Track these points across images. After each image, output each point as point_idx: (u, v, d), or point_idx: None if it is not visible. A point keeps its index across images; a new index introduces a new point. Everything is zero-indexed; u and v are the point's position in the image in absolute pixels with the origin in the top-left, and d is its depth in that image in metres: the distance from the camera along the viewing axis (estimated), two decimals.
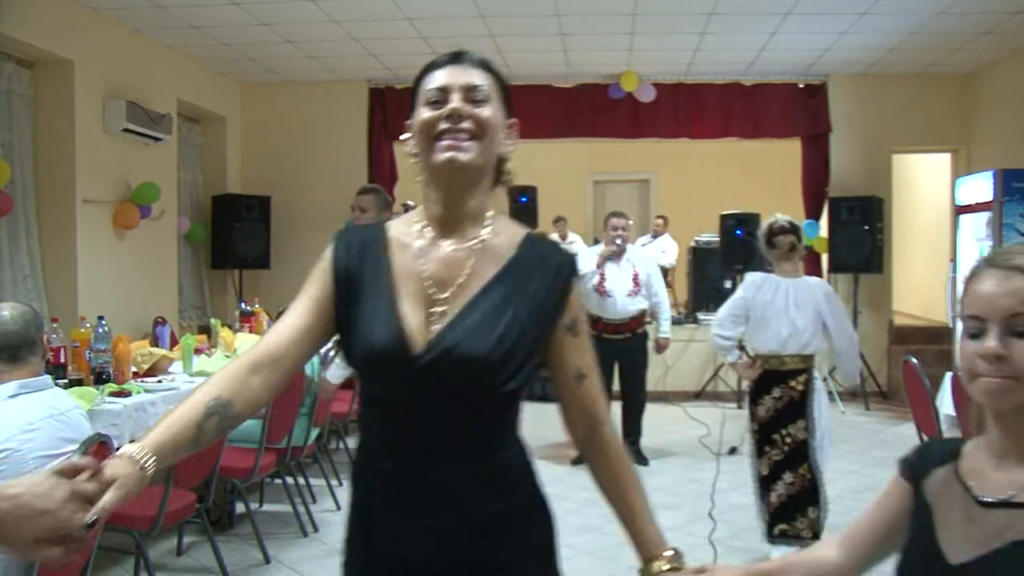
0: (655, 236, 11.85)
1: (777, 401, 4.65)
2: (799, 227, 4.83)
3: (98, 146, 7.55)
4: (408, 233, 1.77)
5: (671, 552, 1.73)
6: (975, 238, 8.33)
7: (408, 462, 1.67)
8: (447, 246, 1.74)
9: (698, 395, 9.90)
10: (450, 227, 1.75)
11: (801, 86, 10.33)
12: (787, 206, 10.70)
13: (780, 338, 4.61)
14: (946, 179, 10.51)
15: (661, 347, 7.27)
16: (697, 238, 10.88)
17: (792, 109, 10.33)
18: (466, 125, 1.70)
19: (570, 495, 6.17)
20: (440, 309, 1.68)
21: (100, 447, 3.15)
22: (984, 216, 8.06)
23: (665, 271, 11.49)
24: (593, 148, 13.30)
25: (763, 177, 12.62)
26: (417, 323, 1.67)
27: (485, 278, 1.71)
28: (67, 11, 7.21)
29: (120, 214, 7.75)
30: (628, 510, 1.79)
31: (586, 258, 7.02)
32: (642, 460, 6.96)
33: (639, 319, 6.99)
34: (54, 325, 4.77)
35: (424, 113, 1.72)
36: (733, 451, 7.31)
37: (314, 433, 5.71)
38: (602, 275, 6.85)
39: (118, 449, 1.56)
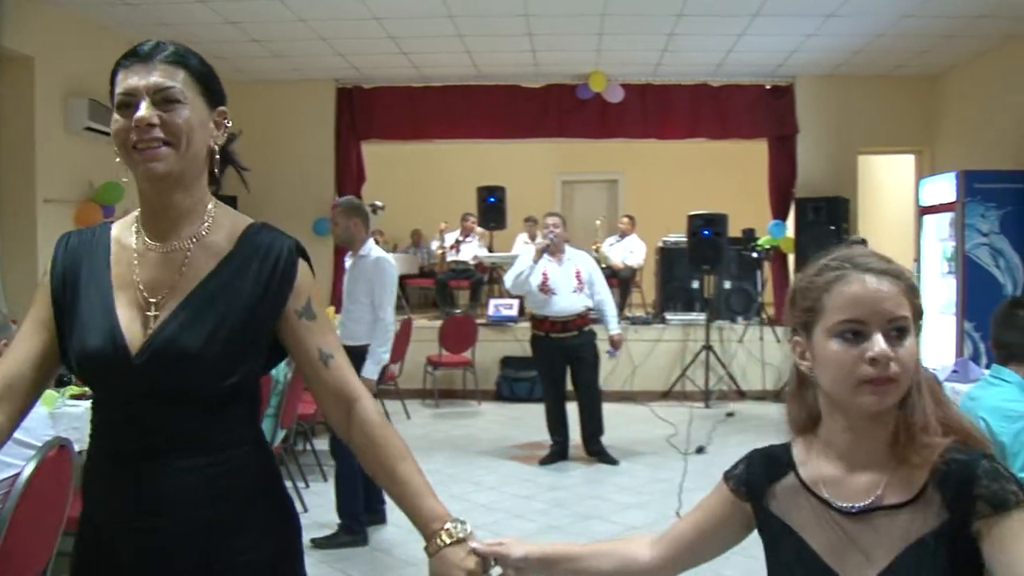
0: (622, 236, 11.86)
1: None
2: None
3: (59, 145, 7.44)
4: (127, 236, 1.73)
5: (453, 524, 1.68)
6: (939, 238, 8.42)
7: (126, 463, 1.63)
8: (161, 249, 1.70)
9: (665, 395, 9.92)
10: (163, 229, 1.71)
11: (768, 87, 10.40)
12: (754, 206, 10.84)
13: None
14: (910, 180, 10.61)
15: (616, 344, 7.15)
16: (665, 238, 10.91)
17: (759, 110, 10.39)
18: (158, 133, 1.63)
19: (538, 495, 6.18)
20: (153, 313, 1.65)
21: (60, 451, 3.11)
22: (947, 216, 8.15)
23: (632, 271, 11.52)
24: (561, 148, 13.31)
25: (730, 178, 12.68)
26: (134, 327, 1.64)
27: (199, 276, 1.69)
28: (28, 6, 7.10)
29: (82, 214, 7.62)
30: (401, 485, 1.72)
31: (519, 262, 7.07)
32: (609, 459, 6.93)
33: (585, 316, 6.94)
34: (13, 327, 4.69)
35: (116, 120, 1.65)
36: (700, 450, 7.32)
37: (280, 434, 5.67)
38: (545, 274, 6.83)
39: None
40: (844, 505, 1.45)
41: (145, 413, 1.62)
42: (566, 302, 6.83)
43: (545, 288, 6.82)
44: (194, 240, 1.71)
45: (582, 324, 6.93)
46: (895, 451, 1.44)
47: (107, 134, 6.18)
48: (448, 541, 1.65)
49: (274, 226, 1.85)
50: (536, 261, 6.88)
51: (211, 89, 1.75)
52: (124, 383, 1.62)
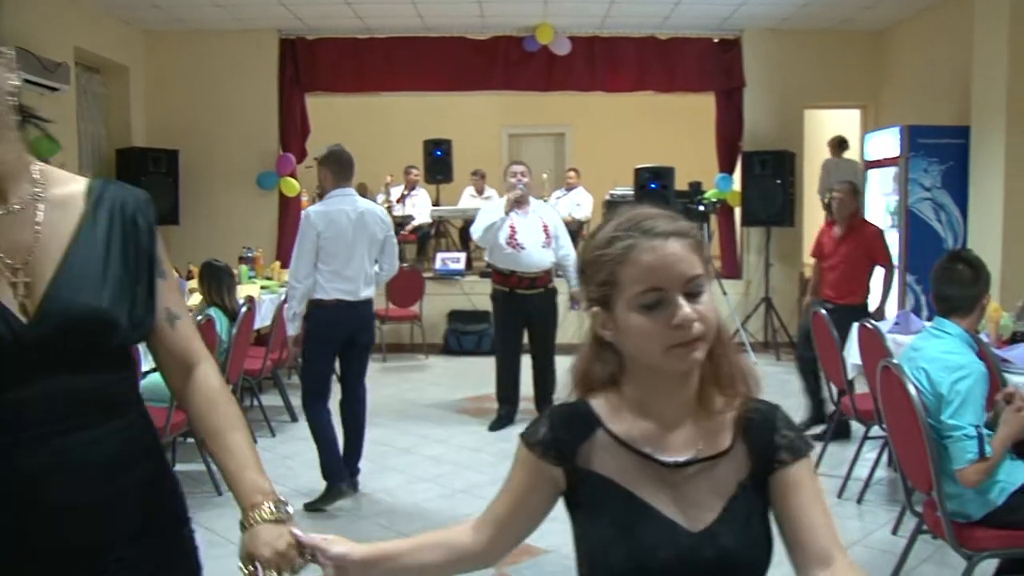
0: (568, 189, 11.85)
1: None
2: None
3: None
4: None
5: (275, 503, 1.62)
6: (882, 192, 8.53)
7: (20, 441, 1.48)
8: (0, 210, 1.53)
9: None
10: None
11: (716, 40, 10.38)
12: (701, 160, 10.88)
13: None
14: (856, 134, 10.70)
15: (578, 300, 7.05)
16: (612, 191, 10.91)
17: (706, 63, 10.37)
18: None
19: (486, 448, 6.22)
20: (24, 279, 1.51)
21: None
22: (891, 171, 8.25)
23: (580, 224, 11.53)
24: (508, 101, 13.22)
25: (677, 131, 12.69)
26: (6, 297, 1.49)
27: (64, 235, 1.56)
28: None
29: None
30: (229, 453, 1.66)
31: (486, 213, 6.85)
32: None
33: (550, 273, 6.75)
34: None
35: None
36: None
37: None
38: (512, 227, 6.58)
39: None
40: (668, 459, 1.48)
41: (40, 385, 1.48)
42: (537, 257, 6.60)
43: (513, 243, 6.57)
44: (38, 199, 1.56)
45: (547, 281, 6.74)
46: (703, 403, 1.49)
47: (38, 85, 6.02)
48: (266, 518, 1.59)
49: (113, 181, 1.70)
50: (508, 213, 6.62)
51: None
52: (17, 358, 1.46)
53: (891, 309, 7.49)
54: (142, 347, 1.74)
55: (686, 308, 1.39)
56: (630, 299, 1.42)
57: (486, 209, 6.94)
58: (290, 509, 1.64)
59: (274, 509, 1.61)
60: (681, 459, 1.48)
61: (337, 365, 5.33)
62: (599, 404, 1.55)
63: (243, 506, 1.62)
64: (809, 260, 11.10)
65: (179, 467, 5.69)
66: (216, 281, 5.68)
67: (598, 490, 1.50)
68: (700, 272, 1.43)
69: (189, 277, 6.33)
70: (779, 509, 1.48)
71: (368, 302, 5.30)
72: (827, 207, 9.34)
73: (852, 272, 6.46)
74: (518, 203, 6.66)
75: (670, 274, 1.40)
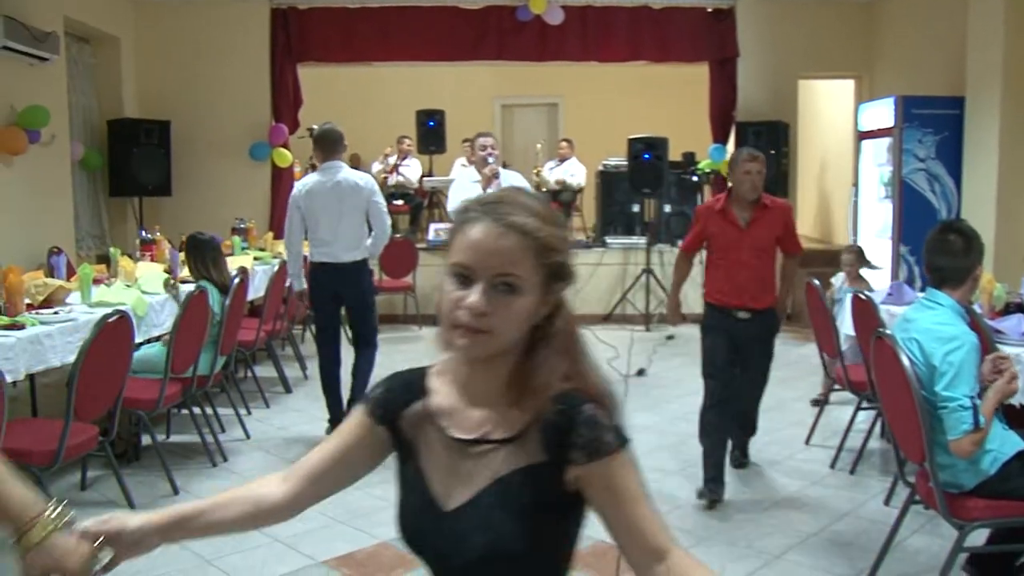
0: (561, 160, 11.83)
1: None
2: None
3: None
4: None
5: (55, 507, 1.46)
6: (876, 163, 8.52)
7: None
8: None
9: (607, 318, 10.00)
10: None
11: (710, 10, 10.31)
12: (695, 130, 10.84)
13: None
14: (850, 105, 10.68)
15: None
16: (605, 162, 10.88)
17: (700, 33, 10.32)
18: None
19: None
20: None
21: None
22: (885, 142, 8.23)
23: (574, 194, 11.53)
24: (501, 71, 13.16)
25: (671, 101, 12.65)
26: None
27: None
28: None
29: (4, 139, 7.33)
30: None
31: (460, 188, 6.71)
32: None
33: None
34: None
35: None
36: (641, 372, 7.41)
37: (221, 362, 5.62)
38: None
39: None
40: (457, 435, 1.50)
41: None
42: None
43: None
44: None
45: None
46: (509, 394, 1.48)
47: (28, 55, 5.94)
48: (56, 527, 1.44)
49: None
50: (485, 188, 6.46)
51: None
52: None
53: (885, 280, 7.51)
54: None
55: (477, 296, 1.39)
56: (449, 266, 1.44)
57: (458, 185, 6.90)
58: (72, 510, 1.47)
59: (58, 512, 1.46)
60: (468, 437, 1.49)
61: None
62: (435, 372, 1.59)
63: (20, 524, 1.43)
64: (801, 231, 11.16)
65: (173, 438, 5.71)
66: (200, 255, 5.59)
67: (404, 454, 1.57)
68: (517, 273, 1.41)
69: (181, 249, 6.29)
70: (597, 513, 1.46)
71: (353, 264, 5.82)
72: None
73: (768, 265, 4.97)
74: (492, 180, 6.61)
75: (482, 261, 1.41)
